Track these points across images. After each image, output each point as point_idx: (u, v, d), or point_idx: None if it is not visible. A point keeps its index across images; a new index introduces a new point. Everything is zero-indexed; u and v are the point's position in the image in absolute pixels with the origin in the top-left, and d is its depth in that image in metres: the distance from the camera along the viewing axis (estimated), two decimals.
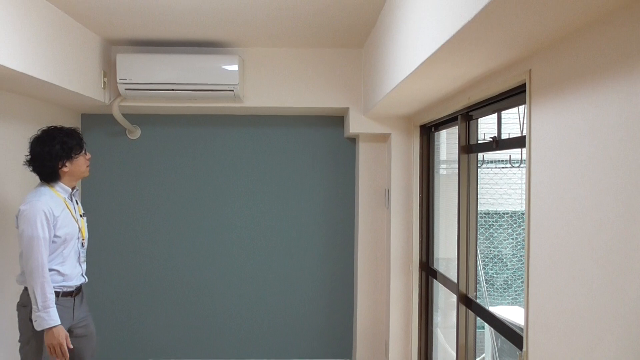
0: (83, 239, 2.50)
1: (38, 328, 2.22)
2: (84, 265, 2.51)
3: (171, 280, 3.79)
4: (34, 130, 2.43)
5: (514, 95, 1.91)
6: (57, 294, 2.33)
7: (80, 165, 2.45)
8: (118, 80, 3.17)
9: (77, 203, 2.52)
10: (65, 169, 2.39)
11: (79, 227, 2.47)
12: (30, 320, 2.24)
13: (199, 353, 3.81)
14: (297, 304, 3.82)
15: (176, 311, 3.80)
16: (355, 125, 3.43)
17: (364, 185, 3.63)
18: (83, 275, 2.50)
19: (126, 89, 3.20)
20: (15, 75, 2.35)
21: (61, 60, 2.69)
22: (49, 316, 2.22)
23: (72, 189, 2.47)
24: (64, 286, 2.38)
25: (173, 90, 3.20)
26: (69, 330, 2.41)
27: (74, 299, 2.44)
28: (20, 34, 2.28)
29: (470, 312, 2.45)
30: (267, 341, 3.82)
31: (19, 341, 2.33)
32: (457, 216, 2.55)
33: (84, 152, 2.48)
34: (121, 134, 3.76)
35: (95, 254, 3.75)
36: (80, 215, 2.52)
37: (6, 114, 2.80)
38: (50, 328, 2.22)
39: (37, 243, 2.22)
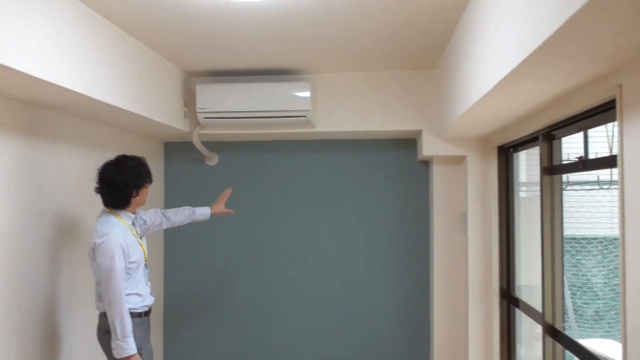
0: (146, 260, 2.57)
1: (117, 356, 2.31)
2: (149, 284, 2.60)
3: (248, 303, 3.86)
4: None
5: (602, 112, 1.79)
6: (139, 314, 2.46)
7: (145, 194, 2.54)
8: (197, 110, 3.33)
9: (136, 226, 2.59)
10: (136, 197, 2.48)
11: (143, 250, 2.55)
12: None
13: None
14: (370, 331, 3.74)
15: (251, 332, 3.84)
16: (429, 147, 3.36)
17: (439, 210, 3.53)
18: (152, 294, 2.60)
19: (205, 118, 3.34)
20: (105, 108, 2.53)
21: (147, 92, 2.87)
22: (127, 345, 2.30)
23: (134, 213, 2.56)
24: (144, 306, 2.50)
25: (248, 117, 3.31)
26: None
27: (149, 318, 2.58)
28: (110, 68, 2.47)
29: (557, 344, 2.28)
30: None
31: None
32: (540, 241, 2.40)
33: (150, 183, 2.56)
34: (200, 161, 3.93)
35: (176, 276, 3.90)
36: (140, 237, 2.59)
37: (97, 143, 3.01)
38: (128, 357, 2.31)
39: (115, 275, 2.30)
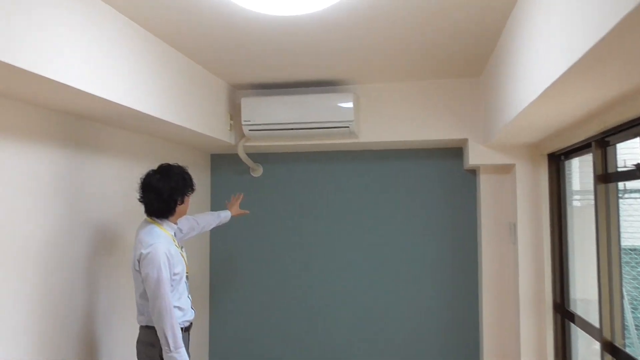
0: (187, 272, 2.52)
1: None
2: (190, 297, 2.55)
3: (292, 311, 3.87)
4: None
5: None
6: (181, 330, 2.36)
7: (187, 204, 2.52)
8: (242, 122, 3.39)
9: (176, 237, 2.57)
10: (181, 206, 2.46)
11: (185, 262, 2.50)
12: (161, 358, 2.30)
13: None
14: (416, 345, 3.66)
15: (295, 342, 3.85)
16: (475, 156, 3.28)
17: (486, 220, 3.44)
18: (192, 307, 2.54)
19: (250, 130, 3.40)
20: (154, 121, 2.62)
21: (195, 106, 2.95)
22: (180, 356, 2.27)
23: (175, 224, 2.53)
24: (185, 321, 2.45)
25: (292, 129, 3.34)
26: None
27: (189, 333, 2.51)
28: (159, 83, 2.55)
29: None
30: None
31: None
32: (595, 252, 2.29)
33: (192, 192, 2.54)
34: (245, 172, 3.99)
35: (222, 285, 3.97)
36: (180, 249, 2.53)
37: (145, 155, 3.11)
38: None
39: (162, 285, 2.25)
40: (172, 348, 2.26)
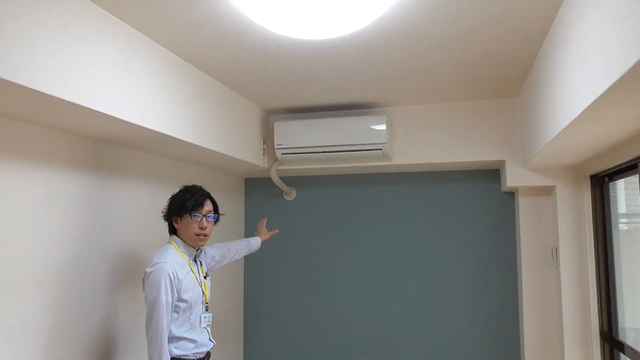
0: (207, 303, 2.37)
1: None
2: (209, 329, 2.39)
3: (328, 340, 3.80)
4: None
5: None
6: None
7: (186, 227, 2.32)
8: (275, 146, 3.41)
9: (201, 264, 2.45)
10: (177, 225, 2.35)
11: (203, 291, 2.36)
12: None
13: None
14: None
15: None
16: (513, 178, 3.19)
17: (526, 244, 3.32)
18: (211, 340, 2.39)
19: (282, 154, 3.42)
20: (189, 146, 2.66)
21: (228, 131, 2.99)
22: None
23: (197, 250, 2.41)
24: (197, 353, 2.28)
25: (325, 152, 3.34)
26: None
27: None
28: (193, 109, 2.60)
29: None
30: None
31: None
32: None
33: (190, 216, 2.31)
34: (278, 196, 4.00)
35: (256, 316, 3.94)
36: (204, 277, 2.42)
37: (181, 180, 3.13)
38: None
39: (159, 308, 2.11)
40: None
